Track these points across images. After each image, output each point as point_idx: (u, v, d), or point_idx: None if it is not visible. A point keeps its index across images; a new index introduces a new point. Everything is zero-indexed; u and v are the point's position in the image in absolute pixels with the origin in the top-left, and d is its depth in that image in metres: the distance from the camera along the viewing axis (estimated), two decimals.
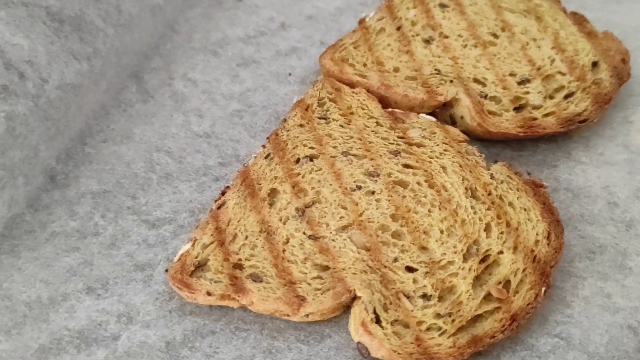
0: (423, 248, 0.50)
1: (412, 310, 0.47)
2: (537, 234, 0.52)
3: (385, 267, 0.49)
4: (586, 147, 0.60)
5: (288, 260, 0.50)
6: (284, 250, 0.50)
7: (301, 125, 0.58)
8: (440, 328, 0.47)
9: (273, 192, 0.54)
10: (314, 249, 0.50)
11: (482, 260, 0.50)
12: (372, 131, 0.58)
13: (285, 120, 0.59)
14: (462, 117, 0.60)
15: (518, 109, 0.61)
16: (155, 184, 0.58)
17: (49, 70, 0.53)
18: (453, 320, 0.47)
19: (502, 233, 0.51)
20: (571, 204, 0.56)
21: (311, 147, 0.56)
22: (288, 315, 0.48)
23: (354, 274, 0.49)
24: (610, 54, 0.64)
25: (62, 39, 0.54)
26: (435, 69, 0.63)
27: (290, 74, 0.66)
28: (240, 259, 0.50)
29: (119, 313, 0.50)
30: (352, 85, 0.62)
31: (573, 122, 0.59)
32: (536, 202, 0.53)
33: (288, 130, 0.58)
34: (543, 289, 0.49)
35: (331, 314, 0.49)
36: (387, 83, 0.62)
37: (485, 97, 0.61)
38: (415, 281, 0.49)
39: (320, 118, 0.59)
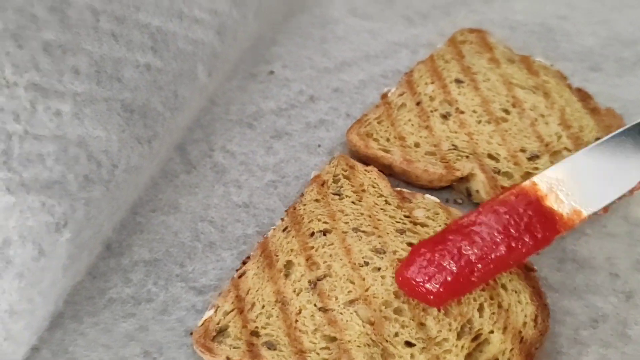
0: (421, 324, 0.55)
1: None
2: (525, 316, 0.57)
3: (387, 341, 0.54)
4: (589, 219, 0.66)
5: (300, 330, 0.55)
6: (296, 321, 0.55)
7: (317, 200, 0.63)
8: None
9: (289, 264, 0.59)
10: (324, 321, 0.55)
11: (474, 339, 0.55)
12: (381, 209, 0.63)
13: (302, 194, 0.64)
14: (477, 191, 0.66)
15: None
16: (200, 252, 0.64)
17: (119, 156, 0.59)
18: None
19: (493, 313, 0.56)
20: (577, 274, 0.62)
21: (325, 222, 0.61)
22: None
23: (358, 346, 0.53)
24: (612, 131, 0.70)
25: (131, 126, 0.60)
26: (453, 145, 0.69)
27: (319, 146, 0.72)
28: (257, 327, 0.55)
29: None
30: (376, 159, 0.68)
31: None
32: (527, 286, 0.58)
33: (305, 205, 0.63)
34: None
35: None
36: (409, 158, 0.68)
37: (499, 172, 0.67)
38: (412, 356, 0.53)
39: (334, 194, 0.64)
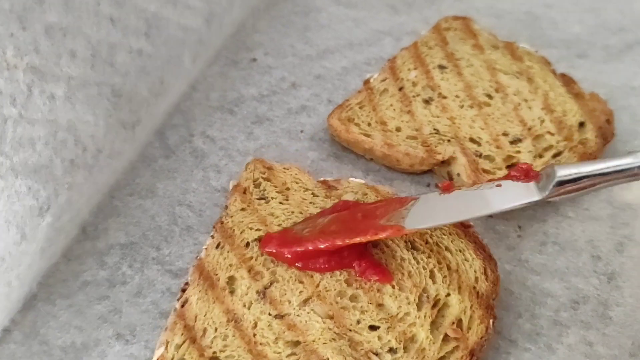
0: (380, 305, 0.54)
1: None
2: (475, 272, 0.57)
3: (351, 330, 0.53)
4: (572, 202, 0.66)
5: (260, 344, 0.52)
6: (254, 335, 0.53)
7: (243, 209, 0.61)
8: None
9: (231, 280, 0.56)
10: (283, 328, 0.53)
11: (434, 306, 0.54)
12: (310, 202, 0.61)
13: (226, 207, 0.62)
14: (458, 174, 0.66)
15: (510, 167, 0.66)
16: (177, 235, 0.63)
17: (104, 141, 0.59)
18: None
19: (445, 277, 0.56)
20: (558, 256, 0.62)
21: (257, 229, 0.59)
22: None
23: (324, 343, 0.52)
24: (595, 115, 0.70)
25: (117, 111, 0.59)
26: (434, 129, 0.68)
27: (302, 131, 0.72)
28: (214, 352, 0.52)
29: (146, 358, 0.55)
30: (357, 143, 0.68)
31: None
32: (468, 242, 0.58)
33: (232, 217, 0.60)
34: (491, 321, 0.54)
35: None
36: (389, 142, 0.67)
37: (480, 155, 0.66)
38: (379, 338, 0.53)
39: (259, 199, 0.62)
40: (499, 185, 0.55)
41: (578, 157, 0.66)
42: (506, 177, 0.56)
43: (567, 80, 0.74)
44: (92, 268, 0.60)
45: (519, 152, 0.67)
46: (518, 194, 0.54)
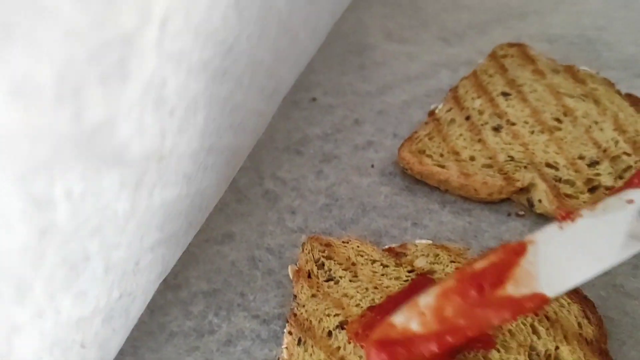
0: None
1: None
2: (575, 317, 0.54)
3: None
4: None
5: None
6: None
7: (313, 296, 0.57)
8: None
9: None
10: None
11: None
12: (382, 275, 0.58)
13: (295, 296, 0.58)
14: (540, 201, 0.64)
15: (591, 190, 0.65)
16: (260, 280, 0.61)
17: None
18: None
19: (548, 329, 0.53)
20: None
21: (336, 315, 0.55)
22: None
23: None
24: None
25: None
26: (509, 156, 0.67)
27: (372, 166, 0.71)
28: None
29: None
30: (432, 175, 0.67)
31: None
32: None
33: (304, 307, 0.57)
34: None
35: None
36: (466, 172, 0.66)
37: (560, 180, 0.65)
38: None
39: (327, 280, 0.58)
40: (631, 201, 0.44)
41: None
42: (629, 186, 0.48)
43: (634, 100, 0.73)
44: (177, 318, 0.59)
45: (598, 174, 0.65)
46: None
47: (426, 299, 0.46)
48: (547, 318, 0.54)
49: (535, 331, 0.54)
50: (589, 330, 0.53)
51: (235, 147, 0.62)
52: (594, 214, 0.45)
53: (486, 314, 0.43)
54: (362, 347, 0.53)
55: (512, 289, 0.42)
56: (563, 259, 0.43)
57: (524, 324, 0.54)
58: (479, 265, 0.45)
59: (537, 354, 0.52)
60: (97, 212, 0.39)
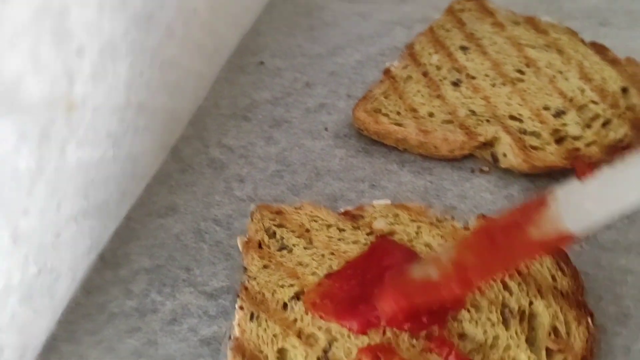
0: (462, 336, 0.47)
1: None
2: (548, 269, 0.50)
3: None
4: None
5: None
6: None
7: (265, 267, 0.53)
8: None
9: (282, 353, 0.48)
10: None
11: (521, 320, 0.48)
12: (339, 239, 0.54)
13: (245, 269, 0.53)
14: (504, 155, 0.60)
15: (558, 141, 0.61)
16: (207, 253, 0.56)
17: None
18: None
19: (520, 284, 0.49)
20: (629, 229, 0.56)
21: (291, 285, 0.51)
22: None
23: None
24: (637, 79, 0.65)
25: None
26: (470, 110, 0.63)
27: (326, 129, 0.66)
28: None
29: None
30: (389, 134, 0.62)
31: (617, 149, 0.59)
32: None
33: (255, 279, 0.52)
34: (589, 319, 0.48)
35: None
36: (425, 129, 0.62)
37: (525, 132, 0.61)
38: None
39: (279, 250, 0.54)
40: None
41: (629, 124, 0.61)
42: None
43: (599, 48, 0.69)
44: (117, 298, 0.53)
45: (565, 124, 0.62)
46: None
47: (446, 253, 0.45)
48: (519, 273, 0.50)
49: (506, 287, 0.49)
50: (564, 283, 0.50)
51: (171, 109, 0.56)
52: (614, 168, 0.40)
53: (512, 254, 0.42)
54: (320, 317, 0.48)
55: (536, 232, 0.41)
56: (587, 202, 0.40)
57: (494, 280, 0.50)
58: (501, 219, 0.43)
59: (510, 311, 0.48)
60: None
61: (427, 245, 0.53)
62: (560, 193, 0.41)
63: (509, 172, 0.61)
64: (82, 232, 0.47)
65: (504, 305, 0.49)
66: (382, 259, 0.50)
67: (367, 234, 0.54)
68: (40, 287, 0.44)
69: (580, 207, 0.40)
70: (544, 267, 0.50)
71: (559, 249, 0.52)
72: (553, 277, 0.50)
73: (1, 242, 0.37)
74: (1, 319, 0.40)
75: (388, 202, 0.57)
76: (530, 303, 0.49)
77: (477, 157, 0.62)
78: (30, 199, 0.37)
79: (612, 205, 0.39)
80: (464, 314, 0.48)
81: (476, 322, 0.48)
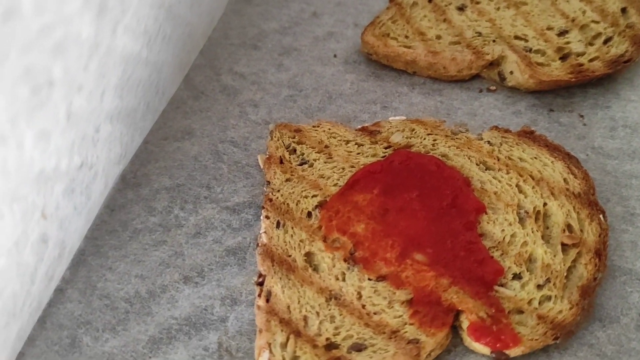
0: (482, 235, 0.49)
1: (515, 296, 0.46)
2: (560, 173, 0.53)
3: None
4: (631, 86, 0.63)
5: (375, 313, 0.46)
6: (363, 307, 0.46)
7: (288, 180, 0.54)
8: (549, 297, 0.46)
9: (309, 257, 0.50)
10: (391, 289, 0.47)
11: (536, 219, 0.50)
12: (358, 153, 0.56)
13: (268, 182, 0.55)
14: (511, 72, 0.62)
15: (562, 58, 0.62)
16: (226, 172, 0.58)
17: None
18: (554, 284, 0.46)
19: (534, 187, 0.52)
20: (632, 138, 0.58)
21: (314, 196, 0.53)
22: None
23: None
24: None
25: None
26: (476, 32, 0.65)
27: (335, 56, 0.67)
28: (328, 338, 0.45)
29: (222, 296, 0.49)
30: (398, 57, 0.64)
31: (619, 63, 0.61)
32: (540, 147, 0.54)
33: (279, 191, 0.54)
34: (601, 216, 0.50)
35: (446, 340, 0.45)
36: (433, 50, 0.63)
37: (530, 50, 0.63)
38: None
39: (301, 164, 0.56)
40: None
41: (629, 41, 0.63)
42: None
43: None
44: (140, 215, 0.55)
45: (568, 42, 0.63)
46: None
47: None
48: (532, 177, 0.52)
49: (521, 190, 0.52)
50: (576, 184, 0.52)
51: (190, 23, 0.57)
52: None
53: None
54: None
55: None
56: None
57: (509, 185, 0.52)
58: None
59: (526, 212, 0.50)
60: (60, 21, 0.34)
61: (444, 155, 0.54)
62: None
63: (515, 90, 0.63)
64: (115, 138, 0.48)
65: (520, 206, 0.51)
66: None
67: (385, 148, 0.56)
68: (81, 182, 0.45)
69: None
70: (555, 171, 0.53)
71: (569, 154, 0.54)
72: (565, 180, 0.52)
73: (58, 110, 0.37)
74: (48, 205, 0.41)
75: (403, 117, 0.59)
76: (544, 204, 0.51)
77: (484, 77, 0.64)
78: (85, 75, 0.38)
79: None
80: (482, 217, 0.50)
81: (494, 222, 0.50)
